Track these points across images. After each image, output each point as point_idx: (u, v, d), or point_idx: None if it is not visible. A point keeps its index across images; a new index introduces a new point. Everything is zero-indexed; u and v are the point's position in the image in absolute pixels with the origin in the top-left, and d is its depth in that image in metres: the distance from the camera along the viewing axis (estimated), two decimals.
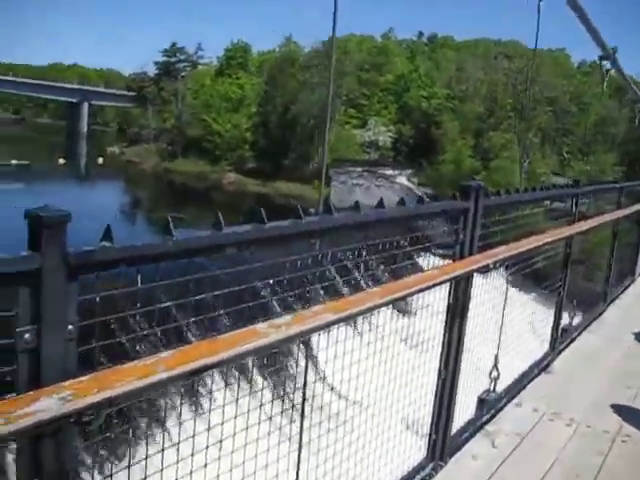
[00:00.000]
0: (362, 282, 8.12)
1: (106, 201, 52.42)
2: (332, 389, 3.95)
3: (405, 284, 3.21)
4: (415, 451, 4.79)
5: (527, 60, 60.51)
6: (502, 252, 4.55)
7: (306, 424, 3.40)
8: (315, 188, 56.68)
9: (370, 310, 2.86)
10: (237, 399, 2.81)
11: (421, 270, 3.92)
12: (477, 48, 79.69)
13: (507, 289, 6.09)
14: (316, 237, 3.05)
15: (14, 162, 68.80)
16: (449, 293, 4.60)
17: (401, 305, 4.24)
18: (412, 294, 3.25)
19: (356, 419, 3.98)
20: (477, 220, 4.68)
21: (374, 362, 4.07)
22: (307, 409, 3.42)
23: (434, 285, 3.55)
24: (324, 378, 3.80)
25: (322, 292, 4.23)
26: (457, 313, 4.68)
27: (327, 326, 2.63)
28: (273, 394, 3.84)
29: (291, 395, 3.60)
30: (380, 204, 3.40)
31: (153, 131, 79.98)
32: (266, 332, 2.29)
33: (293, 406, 3.27)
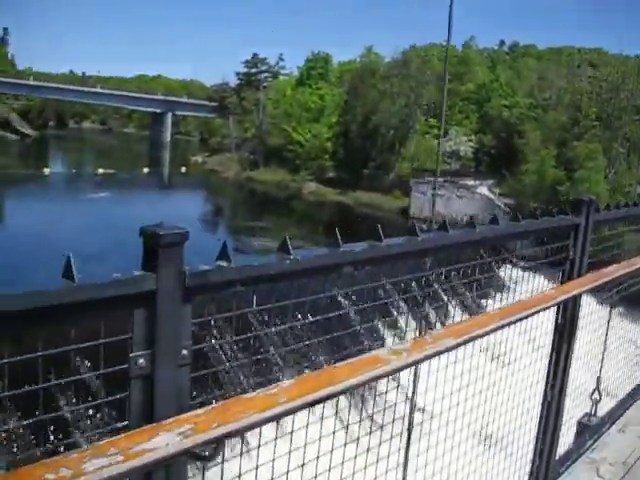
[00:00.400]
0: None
1: (189, 210, 53.13)
2: (437, 418, 3.76)
3: (523, 305, 3.01)
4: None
5: (612, 67, 59.04)
6: (616, 270, 4.26)
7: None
8: (396, 198, 56.42)
9: (490, 332, 2.68)
10: (347, 425, 2.66)
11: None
12: (560, 56, 78.12)
13: (611, 309, 5.80)
14: (430, 255, 2.88)
15: (100, 171, 70.96)
16: (557, 313, 4.37)
17: None
18: (530, 315, 3.05)
19: (461, 447, 3.78)
20: (587, 236, 4.43)
21: (478, 389, 3.87)
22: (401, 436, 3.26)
23: (551, 306, 3.35)
24: (430, 410, 3.61)
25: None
26: (565, 334, 4.43)
27: (447, 351, 2.46)
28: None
29: (388, 423, 3.42)
30: (494, 220, 3.20)
31: (235, 140, 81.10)
32: (388, 359, 2.13)
33: (401, 434, 3.10)
